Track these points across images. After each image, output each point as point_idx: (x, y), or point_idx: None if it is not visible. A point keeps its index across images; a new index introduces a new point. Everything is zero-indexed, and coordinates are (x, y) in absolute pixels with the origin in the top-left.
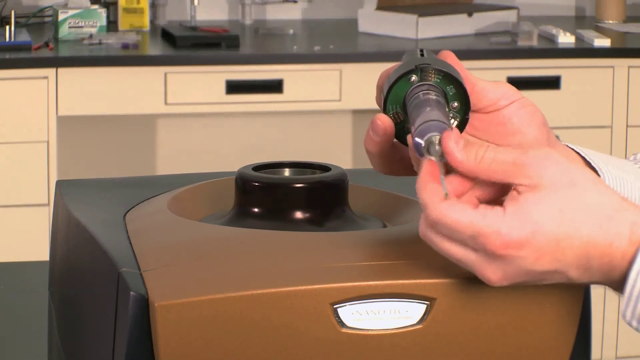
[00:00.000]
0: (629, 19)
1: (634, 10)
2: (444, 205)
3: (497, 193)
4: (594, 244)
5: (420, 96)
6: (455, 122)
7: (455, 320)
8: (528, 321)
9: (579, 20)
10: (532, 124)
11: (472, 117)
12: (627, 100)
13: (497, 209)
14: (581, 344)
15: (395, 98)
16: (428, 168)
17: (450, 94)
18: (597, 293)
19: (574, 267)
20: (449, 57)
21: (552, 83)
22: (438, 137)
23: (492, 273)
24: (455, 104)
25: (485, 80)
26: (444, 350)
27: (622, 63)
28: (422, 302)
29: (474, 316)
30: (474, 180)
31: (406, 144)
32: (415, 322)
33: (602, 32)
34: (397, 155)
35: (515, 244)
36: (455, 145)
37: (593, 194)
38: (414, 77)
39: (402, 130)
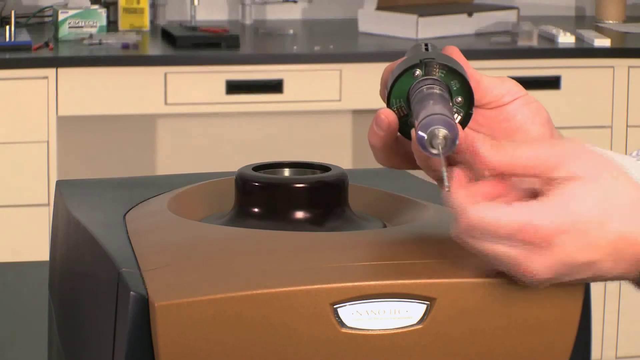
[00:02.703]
0: (629, 19)
1: (634, 10)
2: (480, 207)
3: (527, 197)
4: (626, 234)
5: (424, 90)
6: (459, 118)
7: (455, 320)
8: (528, 321)
9: (579, 20)
10: (536, 121)
11: (476, 113)
12: (627, 100)
13: (533, 202)
14: (581, 344)
15: (399, 92)
16: (452, 174)
17: (454, 89)
18: (597, 293)
19: (608, 256)
20: (454, 53)
21: (552, 83)
22: (441, 130)
23: (536, 266)
24: (459, 99)
25: (489, 76)
26: (444, 350)
27: (622, 63)
28: (422, 302)
29: (474, 316)
30: (506, 184)
31: (409, 138)
32: (415, 322)
33: (602, 32)
34: (401, 149)
35: (558, 233)
36: (484, 146)
37: (622, 185)
38: (418, 72)
39: (405, 124)
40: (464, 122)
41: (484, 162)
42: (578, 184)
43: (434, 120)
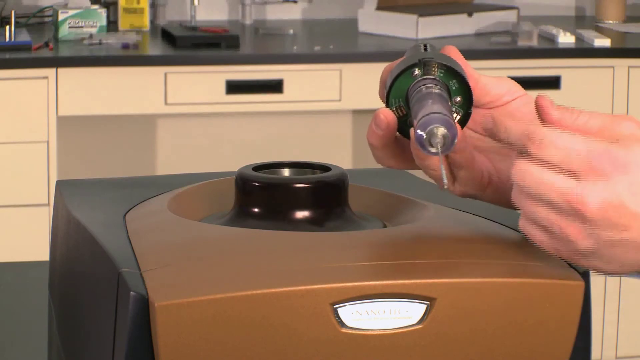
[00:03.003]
0: (629, 19)
1: (634, 10)
2: (551, 129)
3: None
4: None
5: (422, 90)
6: (458, 117)
7: (455, 320)
8: (528, 321)
9: (579, 20)
10: (535, 120)
11: (475, 112)
12: (627, 100)
13: (600, 140)
14: (581, 344)
15: (398, 92)
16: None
17: (453, 88)
18: (597, 293)
19: None
20: (452, 52)
21: (552, 83)
22: (440, 129)
23: (590, 197)
24: (458, 98)
25: (488, 76)
26: (444, 350)
27: (622, 63)
28: (422, 302)
29: (474, 316)
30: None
31: (408, 138)
32: (415, 322)
33: (602, 32)
34: (399, 149)
35: (623, 165)
36: (552, 105)
37: None
38: (417, 71)
39: (404, 124)
40: (463, 122)
41: (548, 119)
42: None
43: (433, 119)
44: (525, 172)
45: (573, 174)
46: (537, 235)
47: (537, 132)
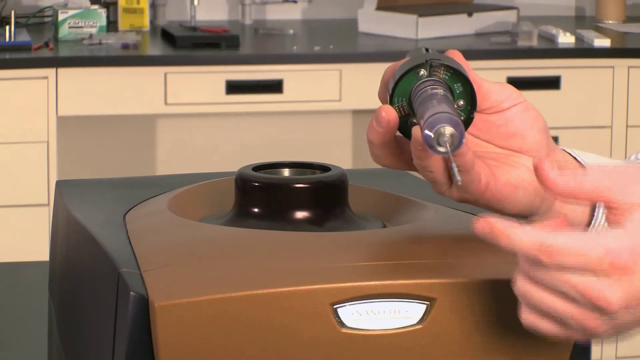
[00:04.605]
0: (629, 19)
1: (634, 10)
2: (561, 235)
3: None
4: None
5: (428, 90)
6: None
7: (455, 320)
8: None
9: (579, 20)
10: (533, 127)
11: (475, 117)
12: (627, 100)
13: (610, 231)
14: (581, 343)
15: (401, 91)
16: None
17: (457, 92)
18: None
19: None
20: (456, 56)
21: (552, 83)
22: (447, 128)
23: (612, 293)
24: (461, 102)
25: (490, 81)
26: (443, 350)
27: (622, 63)
28: (422, 302)
29: (474, 316)
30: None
31: (409, 138)
32: (415, 322)
33: (602, 32)
34: (398, 149)
35: (637, 261)
36: (552, 170)
37: None
38: (422, 72)
39: (405, 123)
40: (465, 126)
41: (552, 186)
42: None
43: (440, 118)
44: (538, 268)
45: (592, 273)
46: (544, 326)
47: (547, 241)
